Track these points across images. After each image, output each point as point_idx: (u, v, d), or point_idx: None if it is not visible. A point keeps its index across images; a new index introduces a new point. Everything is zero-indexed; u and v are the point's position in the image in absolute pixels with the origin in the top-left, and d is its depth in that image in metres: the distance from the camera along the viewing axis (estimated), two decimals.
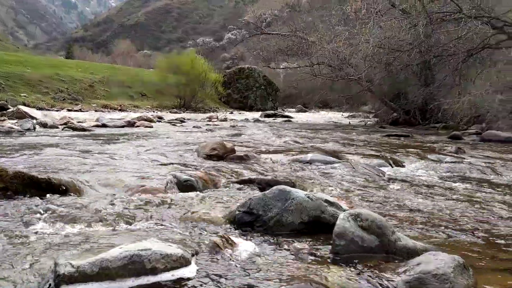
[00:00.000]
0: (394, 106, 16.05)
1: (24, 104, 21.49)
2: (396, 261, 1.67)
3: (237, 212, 2.08)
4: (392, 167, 4.63)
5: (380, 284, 1.46)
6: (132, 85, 36.91)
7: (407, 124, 15.17)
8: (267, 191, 2.12)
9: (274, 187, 2.12)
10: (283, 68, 22.92)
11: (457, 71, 13.45)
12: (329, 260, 1.67)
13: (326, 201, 2.06)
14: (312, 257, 1.70)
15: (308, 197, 2.05)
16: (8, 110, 16.23)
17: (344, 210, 2.08)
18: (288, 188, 2.10)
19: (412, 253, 1.72)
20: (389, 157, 5.16)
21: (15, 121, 9.39)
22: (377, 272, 1.56)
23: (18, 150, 4.23)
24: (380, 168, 4.36)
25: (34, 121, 8.08)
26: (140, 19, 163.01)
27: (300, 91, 49.24)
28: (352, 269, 1.57)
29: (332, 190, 3.07)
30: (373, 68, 14.88)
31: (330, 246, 1.78)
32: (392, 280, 1.48)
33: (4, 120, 7.29)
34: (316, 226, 2.02)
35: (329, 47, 14.60)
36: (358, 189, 3.12)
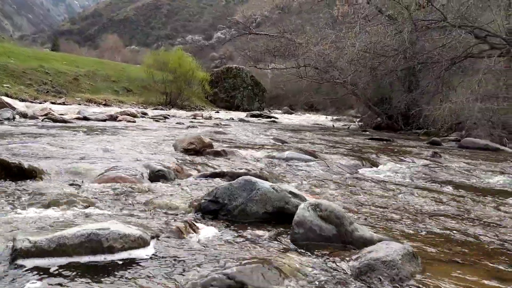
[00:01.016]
0: (378, 110, 16.25)
1: (7, 95, 21.16)
2: (352, 250, 1.73)
3: (203, 201, 2.12)
4: (366, 167, 4.71)
5: (333, 269, 1.52)
6: (118, 80, 36.63)
7: (389, 129, 15.38)
8: (234, 181, 2.16)
9: (241, 178, 2.17)
10: (270, 69, 23.01)
11: (440, 78, 13.68)
12: (287, 247, 1.73)
13: (291, 192, 2.11)
14: (272, 244, 1.75)
15: (273, 188, 2.10)
16: None
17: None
18: (253, 179, 2.15)
19: (368, 243, 1.78)
20: (365, 158, 5.26)
21: None
22: (332, 258, 1.61)
23: None
24: (354, 168, 4.44)
25: (14, 111, 7.99)
26: (129, 14, 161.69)
27: (287, 93, 49.45)
28: (308, 256, 1.63)
29: (302, 185, 3.13)
30: (359, 72, 15.06)
31: (289, 234, 1.83)
32: (344, 266, 1.54)
33: None
34: (280, 216, 2.07)
35: (316, 49, 14.73)
36: (327, 185, 3.18)
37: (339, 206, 1.87)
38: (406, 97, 14.54)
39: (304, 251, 1.67)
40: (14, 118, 6.73)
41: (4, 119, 6.39)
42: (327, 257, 1.63)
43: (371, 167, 4.71)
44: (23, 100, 21.23)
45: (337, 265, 1.55)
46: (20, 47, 49.94)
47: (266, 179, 3.10)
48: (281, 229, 1.95)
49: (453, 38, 12.22)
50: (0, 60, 28.34)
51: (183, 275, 1.36)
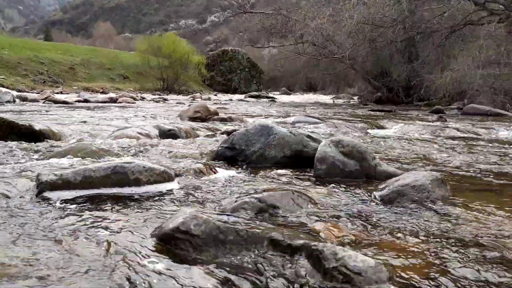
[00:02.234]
0: (377, 84, 16.14)
1: (3, 86, 21.00)
2: (376, 183, 1.70)
3: (220, 148, 2.09)
4: (374, 129, 4.69)
5: (360, 198, 1.50)
6: (113, 67, 36.28)
7: (390, 102, 15.28)
8: (250, 127, 2.13)
9: (257, 123, 2.13)
10: (268, 47, 22.80)
11: (440, 47, 13.56)
12: (311, 181, 1.70)
13: (308, 136, 2.08)
14: (295, 180, 1.73)
15: (291, 132, 2.07)
16: None
17: None
18: (270, 124, 2.12)
19: (391, 177, 1.76)
20: (371, 122, 5.23)
21: None
22: (357, 189, 1.59)
23: None
24: (363, 129, 4.42)
25: (14, 94, 7.92)
26: (121, 1, 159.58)
27: (284, 74, 49.10)
28: (333, 187, 1.61)
29: None
30: (357, 45, 14.90)
31: (311, 173, 1.81)
32: (371, 195, 1.52)
33: None
34: (299, 160, 2.04)
35: (313, 25, 14.55)
36: None
37: (360, 142, 1.84)
38: (406, 68, 14.42)
39: (328, 185, 1.65)
40: (14, 101, 6.67)
41: (5, 101, 6.32)
42: (353, 188, 1.61)
43: (379, 129, 4.68)
44: (20, 91, 21.07)
45: (363, 194, 1.53)
46: (13, 37, 49.40)
47: None
48: (301, 170, 1.92)
49: (452, 6, 12.08)
50: None
51: (211, 203, 1.34)
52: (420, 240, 1.06)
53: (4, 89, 15.36)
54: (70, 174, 1.31)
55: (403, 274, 0.86)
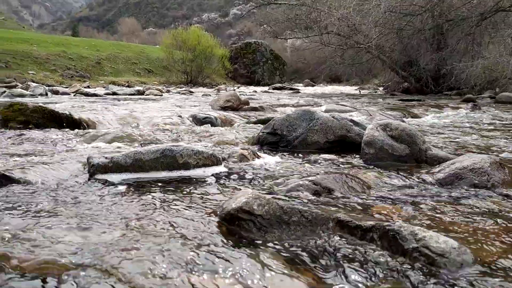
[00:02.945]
0: (405, 74, 15.80)
1: (33, 81, 21.52)
2: (427, 167, 1.64)
3: (261, 134, 2.05)
4: (409, 118, 4.57)
5: (414, 181, 1.44)
6: (138, 61, 36.72)
7: (418, 93, 14.93)
8: (291, 112, 2.08)
9: (298, 108, 2.08)
10: (291, 38, 22.59)
11: (470, 35, 13.15)
12: (359, 165, 1.65)
13: (352, 121, 2.02)
14: (343, 165, 1.68)
15: (333, 117, 2.01)
16: (17, 87, 16.36)
17: None
18: (312, 108, 2.07)
19: (443, 161, 1.68)
20: (405, 111, 5.11)
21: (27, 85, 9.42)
22: (410, 173, 1.53)
23: None
24: (398, 117, 4.31)
25: (46, 87, 8.07)
26: None
27: (308, 66, 48.62)
28: (384, 171, 1.55)
29: None
30: (384, 35, 14.60)
31: (358, 157, 1.75)
32: (426, 178, 1.46)
33: (16, 86, 7.29)
34: (342, 144, 1.99)
35: (338, 14, 14.32)
36: None
37: (409, 125, 1.77)
38: (435, 57, 14.05)
39: (378, 168, 1.59)
40: (46, 94, 6.80)
41: (38, 94, 6.45)
42: (405, 172, 1.55)
43: (414, 118, 4.56)
44: (49, 86, 21.55)
45: (418, 178, 1.47)
46: (41, 34, 50.54)
47: None
48: (346, 154, 1.87)
49: None
50: (24, 47, 28.72)
51: (262, 186, 1.30)
52: (493, 222, 1.00)
53: (33, 84, 15.73)
54: (121, 157, 1.30)
55: (483, 256, 0.80)
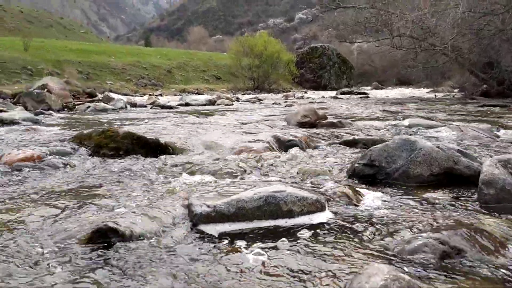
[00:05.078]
0: (485, 76, 14.76)
1: (111, 91, 22.84)
2: None
3: (357, 165, 1.92)
4: (502, 131, 4.18)
5: None
6: (207, 69, 37.77)
7: (500, 96, 13.88)
8: (389, 142, 1.93)
9: (397, 137, 1.93)
10: (360, 42, 22.04)
11: None
12: (478, 210, 1.46)
13: (459, 151, 1.83)
14: (457, 207, 1.50)
15: (438, 147, 1.83)
16: (97, 97, 17.51)
17: (479, 161, 1.84)
18: (413, 137, 1.90)
19: None
20: (495, 122, 4.70)
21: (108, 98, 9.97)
22: None
23: (118, 123, 4.39)
24: (489, 132, 3.95)
25: (125, 99, 8.48)
26: (212, 4, 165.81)
27: (375, 68, 47.34)
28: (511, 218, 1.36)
29: None
30: (461, 36, 13.74)
31: (473, 197, 1.57)
32: None
33: (99, 100, 7.72)
34: (449, 178, 1.80)
35: (412, 16, 13.70)
36: (479, 150, 2.80)
37: None
38: None
39: (502, 215, 1.40)
40: (126, 107, 7.11)
41: (119, 108, 6.76)
42: None
43: (508, 129, 4.16)
44: (124, 95, 22.70)
45: None
46: (117, 45, 53.69)
47: None
48: (456, 191, 1.68)
49: None
50: (102, 59, 30.62)
51: (378, 242, 1.17)
52: None
53: (113, 94, 16.64)
54: (224, 205, 1.23)
55: None
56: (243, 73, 36.31)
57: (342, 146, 2.80)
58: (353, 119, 5.04)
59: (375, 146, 1.94)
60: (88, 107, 6.54)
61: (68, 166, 2.02)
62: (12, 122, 3.67)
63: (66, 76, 24.65)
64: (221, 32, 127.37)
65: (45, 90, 12.91)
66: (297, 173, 1.96)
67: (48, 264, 1.00)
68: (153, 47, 63.38)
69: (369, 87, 42.98)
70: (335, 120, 4.23)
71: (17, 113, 4.05)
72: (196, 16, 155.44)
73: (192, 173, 1.87)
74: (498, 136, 3.69)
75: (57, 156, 2.23)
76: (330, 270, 0.97)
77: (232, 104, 10.19)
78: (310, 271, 0.96)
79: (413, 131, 3.79)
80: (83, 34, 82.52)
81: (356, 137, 2.90)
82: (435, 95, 16.04)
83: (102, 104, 6.92)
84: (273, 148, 2.62)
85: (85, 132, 2.63)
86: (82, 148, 2.46)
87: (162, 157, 2.32)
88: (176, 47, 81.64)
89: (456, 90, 20.68)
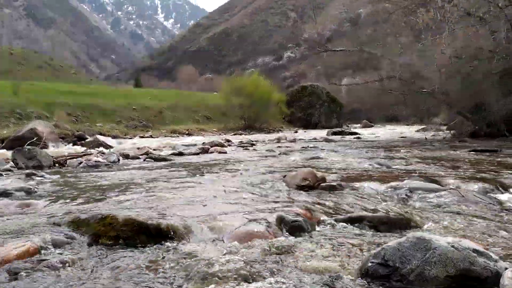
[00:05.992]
0: (474, 118, 15.04)
1: (100, 133, 22.76)
2: None
3: (370, 264, 1.85)
4: (500, 191, 4.17)
5: None
6: (198, 109, 38.09)
7: (489, 137, 14.12)
8: (402, 239, 1.88)
9: (410, 235, 1.88)
10: (348, 85, 22.52)
11: None
12: None
13: (475, 250, 1.78)
14: None
15: (453, 246, 1.78)
16: (86, 140, 17.41)
17: (495, 261, 1.79)
18: (426, 235, 1.85)
19: None
20: (492, 180, 4.70)
21: (99, 151, 9.88)
22: None
23: (113, 188, 4.31)
24: (488, 195, 3.94)
25: (117, 151, 8.40)
26: (202, 44, 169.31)
27: (364, 106, 48.09)
28: None
29: (452, 225, 2.76)
30: (449, 79, 14.10)
31: None
32: None
33: (90, 154, 7.63)
34: (465, 280, 1.74)
35: (401, 61, 14.08)
36: (477, 224, 2.77)
37: None
38: (507, 101, 13.30)
39: None
40: (119, 160, 7.05)
41: (111, 162, 6.70)
42: None
43: (506, 189, 4.16)
44: (114, 137, 22.59)
45: None
46: (107, 86, 54.09)
47: (409, 221, 2.81)
48: None
49: None
50: (92, 100, 30.71)
51: None
52: None
53: (102, 138, 16.56)
54: None
55: None
56: (234, 113, 36.62)
57: (346, 224, 2.75)
58: (352, 177, 5.02)
59: (389, 244, 1.88)
60: (80, 162, 6.45)
61: (66, 264, 1.92)
62: (5, 193, 3.57)
63: (55, 119, 24.58)
64: (211, 71, 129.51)
65: (34, 136, 12.80)
66: (308, 271, 1.89)
67: None
68: (143, 86, 63.90)
69: (358, 125, 43.52)
70: (334, 183, 4.20)
71: (10, 182, 3.95)
72: (186, 56, 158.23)
73: (200, 276, 1.79)
74: (497, 200, 3.68)
75: (53, 250, 2.14)
76: None
77: (226, 152, 10.17)
78: None
79: (415, 198, 3.76)
80: (73, 74, 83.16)
81: (361, 214, 2.84)
82: (425, 137, 16.22)
83: (94, 158, 6.84)
84: (279, 230, 2.56)
85: (82, 217, 2.55)
86: (80, 236, 2.37)
87: (166, 245, 2.24)
88: (167, 86, 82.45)
89: (444, 128, 21.04)
